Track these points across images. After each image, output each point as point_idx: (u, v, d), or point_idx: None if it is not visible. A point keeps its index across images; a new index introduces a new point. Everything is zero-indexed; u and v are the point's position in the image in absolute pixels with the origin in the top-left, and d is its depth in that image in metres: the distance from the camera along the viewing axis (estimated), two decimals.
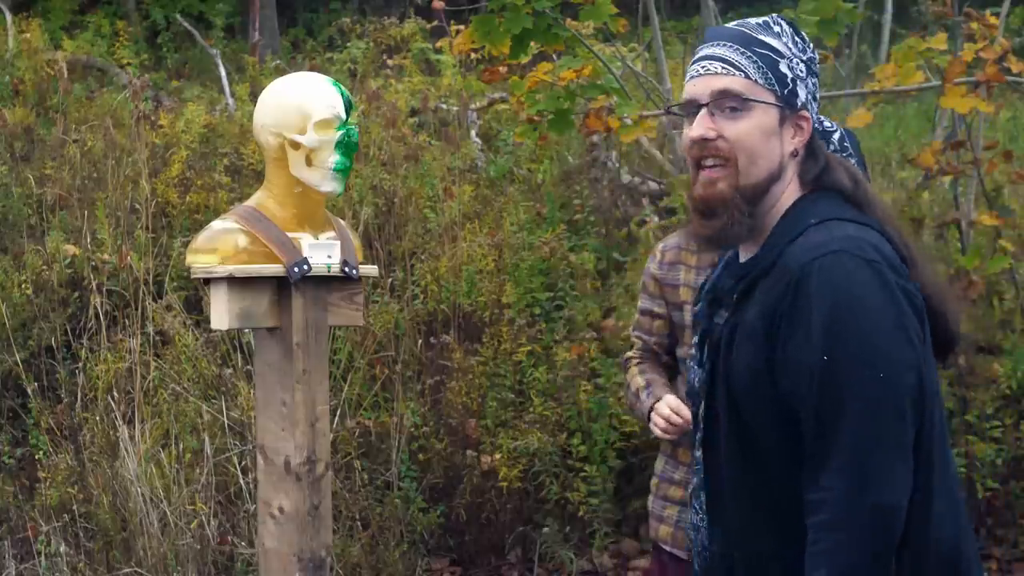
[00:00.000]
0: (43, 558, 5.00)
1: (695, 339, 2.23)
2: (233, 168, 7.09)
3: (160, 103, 8.42)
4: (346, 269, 3.06)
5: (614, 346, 5.80)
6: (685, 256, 3.26)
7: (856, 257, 1.97)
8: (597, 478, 5.36)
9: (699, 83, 2.09)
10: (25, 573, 5.05)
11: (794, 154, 2.11)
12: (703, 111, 2.07)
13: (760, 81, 2.07)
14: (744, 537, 2.05)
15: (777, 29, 2.13)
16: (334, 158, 3.00)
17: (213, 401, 5.30)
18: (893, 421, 1.94)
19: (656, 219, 6.56)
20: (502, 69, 5.50)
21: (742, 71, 2.07)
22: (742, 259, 2.15)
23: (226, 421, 5.17)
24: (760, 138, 2.06)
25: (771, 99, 2.07)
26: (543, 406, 5.51)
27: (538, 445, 5.37)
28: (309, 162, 3.00)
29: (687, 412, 2.96)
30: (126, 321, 5.67)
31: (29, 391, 5.56)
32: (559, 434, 5.47)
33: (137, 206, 6.27)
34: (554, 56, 6.12)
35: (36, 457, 5.44)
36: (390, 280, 6.15)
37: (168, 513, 4.90)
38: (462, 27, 6.79)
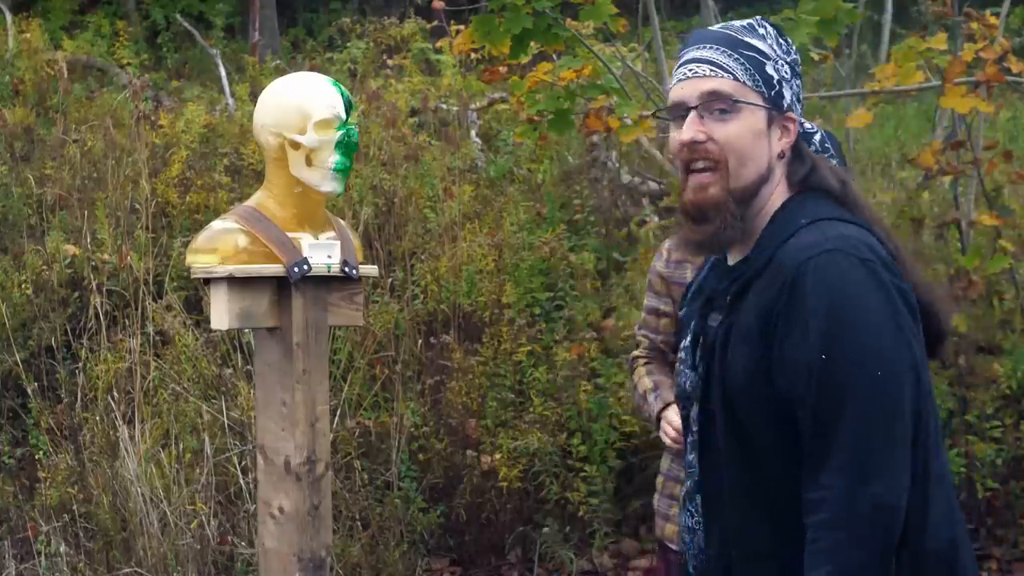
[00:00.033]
0: (43, 558, 5.00)
1: (685, 342, 2.23)
2: (233, 168, 7.09)
3: (160, 103, 8.42)
4: (346, 269, 3.06)
5: (614, 346, 5.80)
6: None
7: (850, 256, 1.98)
8: (597, 478, 5.36)
9: (687, 86, 2.09)
10: (25, 573, 5.05)
11: (781, 155, 2.12)
12: (692, 114, 2.07)
13: (748, 83, 2.07)
14: (742, 536, 2.05)
15: (762, 31, 2.13)
16: (334, 158, 3.00)
17: (213, 401, 5.30)
18: (892, 419, 1.94)
19: (656, 219, 6.56)
20: (502, 69, 5.50)
21: (730, 73, 2.07)
22: (730, 262, 2.15)
23: (226, 421, 5.17)
24: (750, 140, 2.07)
25: (759, 101, 2.08)
26: (543, 406, 5.51)
27: (538, 445, 5.37)
28: (309, 162, 3.00)
29: None
30: (126, 321, 5.67)
31: (29, 391, 5.56)
32: (559, 434, 5.47)
33: (137, 206, 6.27)
34: (554, 56, 6.12)
35: (36, 457, 5.44)
36: (390, 280, 6.15)
37: (168, 513, 4.90)
38: (462, 27, 6.79)
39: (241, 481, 5.07)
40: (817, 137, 2.22)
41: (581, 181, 7.04)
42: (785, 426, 1.99)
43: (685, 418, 2.23)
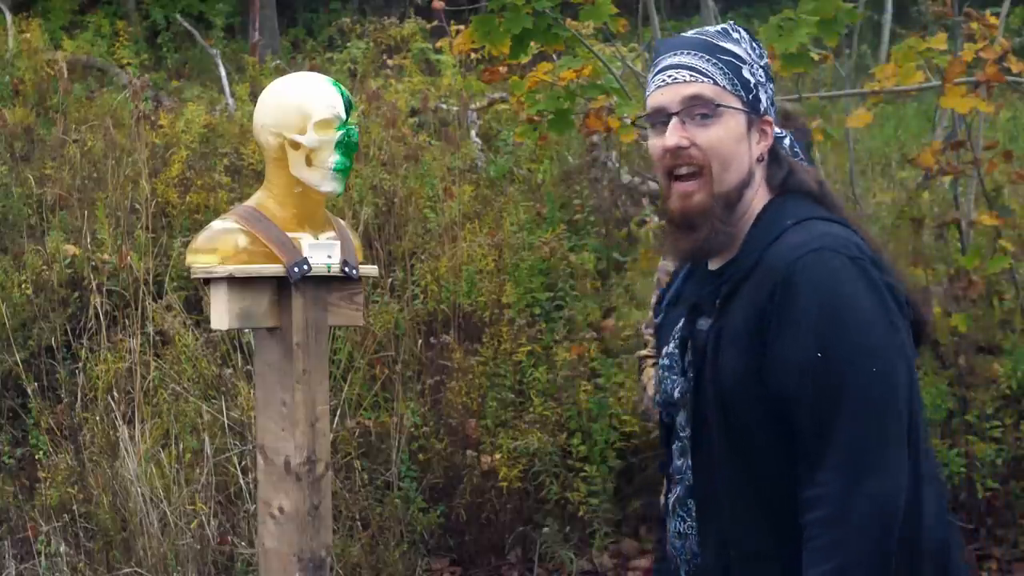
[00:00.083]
0: (43, 558, 5.00)
1: (669, 348, 2.23)
2: (233, 168, 7.09)
3: (160, 103, 8.42)
4: (346, 269, 3.06)
5: (614, 346, 5.80)
6: None
7: (839, 254, 1.99)
8: (597, 478, 5.36)
9: (667, 92, 2.10)
10: (25, 573, 5.05)
11: (760, 159, 2.13)
12: (674, 120, 2.08)
13: (728, 87, 2.09)
14: (740, 537, 2.05)
15: (736, 36, 2.15)
16: (334, 158, 3.00)
17: (213, 401, 5.30)
18: (888, 416, 1.96)
19: (656, 219, 6.55)
20: (502, 69, 5.50)
21: (710, 78, 2.08)
22: (712, 267, 2.16)
23: (226, 421, 5.17)
24: (732, 144, 2.08)
25: (739, 105, 2.09)
26: (543, 406, 5.51)
27: (538, 445, 5.37)
28: (309, 162, 3.00)
29: None
30: (126, 321, 5.67)
31: (29, 391, 5.56)
32: (559, 434, 5.47)
33: (137, 206, 6.27)
34: (554, 56, 6.12)
35: (36, 457, 5.44)
36: (390, 280, 6.15)
37: (168, 513, 4.90)
38: (462, 27, 6.78)
39: (241, 481, 5.07)
40: (787, 141, 2.24)
41: (581, 181, 7.04)
42: (780, 426, 2.00)
43: (669, 425, 2.23)
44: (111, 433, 5.19)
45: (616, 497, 5.50)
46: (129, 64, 9.38)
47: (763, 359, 1.99)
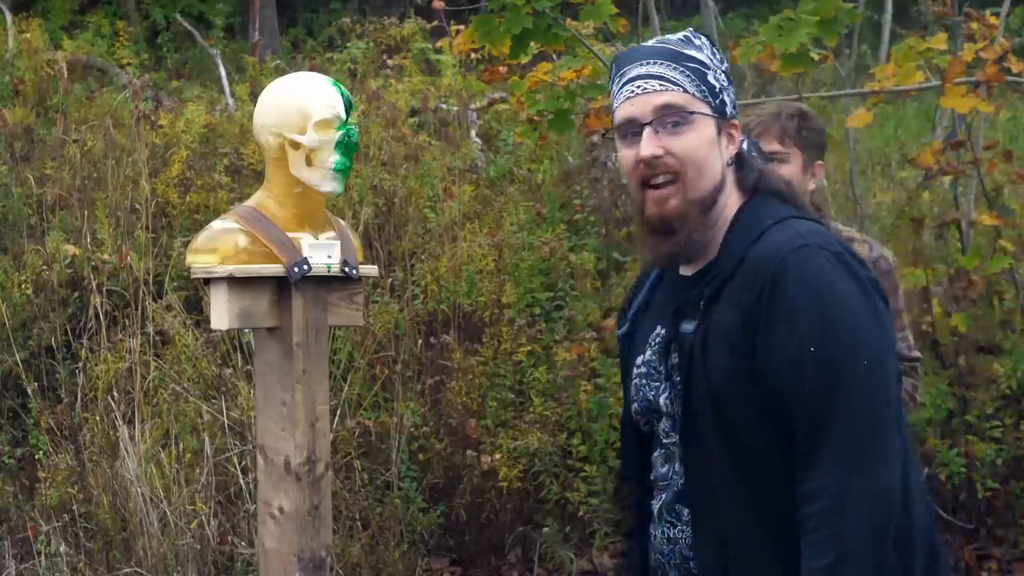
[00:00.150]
0: (43, 558, 5.00)
1: (645, 357, 2.23)
2: (233, 168, 7.09)
3: (160, 103, 8.42)
4: (346, 269, 3.06)
5: (614, 346, 5.80)
6: None
7: (824, 250, 2.03)
8: (597, 478, 5.36)
9: (637, 102, 2.11)
10: (25, 573, 5.05)
11: (730, 163, 2.16)
12: (647, 130, 2.10)
13: (696, 94, 2.11)
14: (738, 537, 2.06)
15: (698, 42, 2.17)
16: (334, 158, 3.00)
17: (213, 401, 5.30)
18: (881, 406, 1.99)
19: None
20: (502, 69, 5.49)
21: (679, 86, 2.11)
22: (686, 272, 2.18)
23: (226, 421, 5.17)
24: (705, 150, 2.11)
25: (708, 110, 2.12)
26: (543, 406, 5.51)
27: (538, 445, 5.37)
28: (309, 162, 3.00)
29: None
30: (126, 321, 5.67)
31: (29, 391, 5.56)
32: (559, 434, 5.47)
33: (137, 206, 6.27)
34: (554, 56, 6.12)
35: (36, 457, 5.44)
36: (390, 280, 6.15)
37: (168, 513, 4.90)
38: (462, 27, 6.78)
39: (241, 481, 5.07)
40: (745, 145, 2.26)
41: (581, 181, 7.04)
42: (773, 424, 2.02)
43: (648, 434, 2.23)
44: (111, 433, 5.19)
45: (616, 497, 5.49)
46: (129, 64, 9.38)
47: (754, 358, 2.01)
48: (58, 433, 5.42)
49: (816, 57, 4.75)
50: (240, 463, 5.11)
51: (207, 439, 5.09)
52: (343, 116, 3.00)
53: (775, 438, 2.02)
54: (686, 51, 2.14)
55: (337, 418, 5.33)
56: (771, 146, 3.17)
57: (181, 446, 5.12)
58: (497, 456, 5.41)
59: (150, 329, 5.55)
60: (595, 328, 5.91)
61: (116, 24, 10.49)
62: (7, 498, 5.31)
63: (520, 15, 4.68)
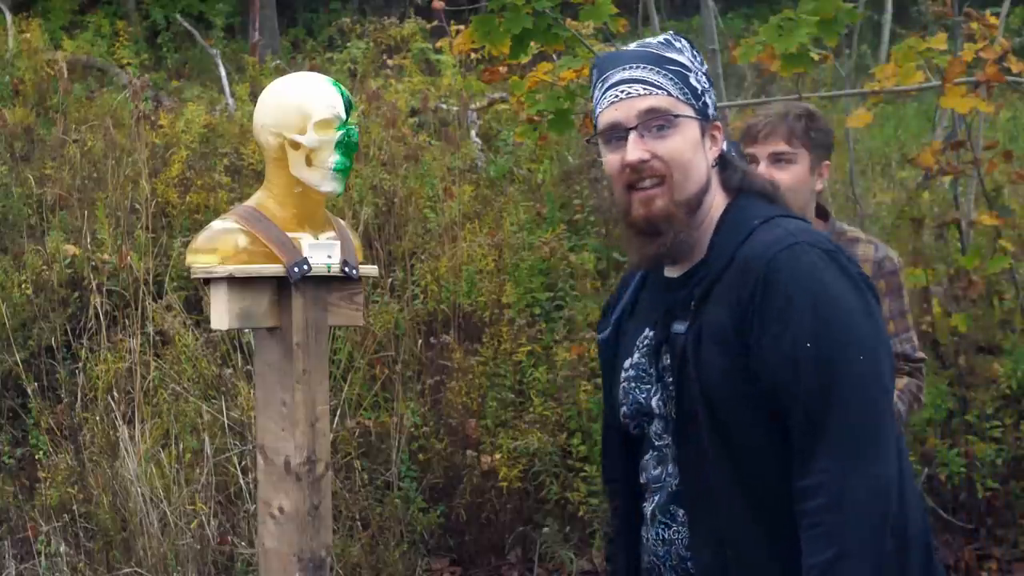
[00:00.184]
0: (43, 558, 5.00)
1: (633, 360, 2.23)
2: (233, 168, 7.09)
3: (160, 103, 8.42)
4: (346, 269, 3.06)
5: None
6: None
7: (815, 248, 2.04)
8: (597, 478, 5.35)
9: (621, 107, 2.12)
10: (25, 573, 5.05)
11: (713, 164, 2.17)
12: (633, 135, 2.10)
13: (680, 97, 2.12)
14: (736, 537, 2.06)
15: (678, 45, 2.18)
16: (334, 158, 3.00)
17: (213, 401, 5.30)
18: (877, 400, 2.01)
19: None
20: (502, 69, 5.49)
21: (663, 90, 2.12)
22: (672, 274, 2.18)
23: (226, 421, 5.17)
24: (690, 152, 2.12)
25: (691, 113, 2.13)
26: (543, 406, 5.51)
27: (538, 445, 5.37)
28: (309, 162, 3.00)
29: None
30: (126, 321, 5.67)
31: (29, 391, 5.56)
32: (559, 434, 5.47)
33: (137, 206, 6.27)
34: (554, 56, 6.12)
35: (36, 457, 5.44)
36: (390, 280, 6.15)
37: (168, 513, 4.90)
38: (462, 27, 6.79)
39: (241, 481, 5.07)
40: (725, 145, 2.27)
41: (581, 181, 7.04)
42: (768, 423, 2.03)
43: (637, 438, 2.23)
44: (111, 433, 5.19)
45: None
46: (129, 64, 9.38)
47: (747, 357, 2.02)
48: (58, 433, 5.42)
49: (816, 57, 4.75)
50: (240, 463, 5.11)
51: (207, 439, 5.09)
52: (343, 116, 3.00)
53: (770, 436, 2.03)
54: (668, 54, 2.15)
55: (337, 418, 5.33)
56: (779, 147, 3.16)
57: (181, 446, 5.12)
58: (497, 456, 5.41)
59: (150, 329, 5.55)
60: (595, 328, 5.89)
61: (116, 24, 10.49)
62: (7, 498, 5.31)
63: (520, 15, 4.68)
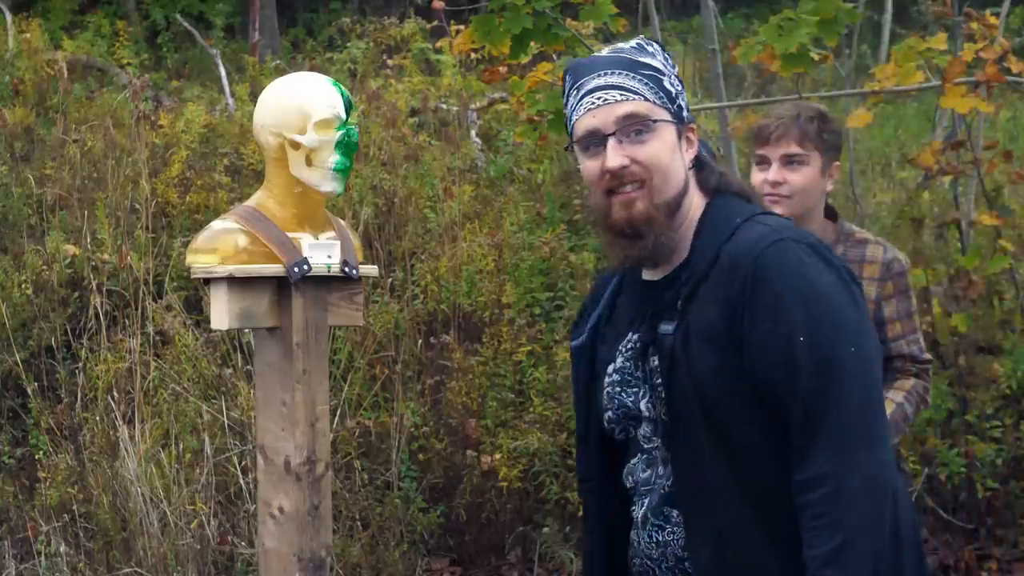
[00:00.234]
0: (43, 558, 5.00)
1: (617, 365, 2.22)
2: (233, 168, 7.09)
3: (160, 103, 8.42)
4: (346, 269, 3.06)
5: None
6: None
7: (799, 243, 2.07)
8: None
9: (599, 114, 2.12)
10: (25, 573, 5.05)
11: (690, 166, 2.19)
12: (611, 141, 2.11)
13: (656, 101, 2.13)
14: (735, 534, 2.06)
15: (651, 49, 2.19)
16: (334, 158, 2.99)
17: (213, 401, 5.30)
18: (870, 390, 2.03)
19: None
20: (502, 69, 5.49)
21: (639, 95, 2.12)
22: (653, 277, 2.19)
23: (226, 421, 5.17)
24: (668, 156, 2.13)
25: (668, 116, 2.14)
26: (543, 406, 5.51)
27: (538, 445, 5.37)
28: (309, 162, 2.99)
29: None
30: (126, 321, 5.67)
31: (29, 391, 5.56)
32: (559, 434, 5.46)
33: (137, 206, 6.27)
34: (554, 56, 6.12)
35: (36, 457, 5.44)
36: (390, 280, 6.15)
37: (168, 513, 4.90)
38: (462, 27, 6.79)
39: (241, 481, 5.07)
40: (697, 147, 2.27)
41: (581, 181, 7.03)
42: (762, 421, 2.04)
43: (624, 442, 2.23)
44: (111, 433, 5.19)
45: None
46: (129, 64, 9.38)
47: (738, 355, 2.03)
48: (58, 433, 5.42)
49: (816, 57, 4.75)
50: (240, 463, 5.11)
51: (207, 439, 5.09)
52: (343, 116, 3.00)
53: (765, 433, 2.03)
54: (641, 59, 2.15)
55: (337, 418, 5.33)
56: (791, 148, 3.15)
57: (181, 446, 5.12)
58: (497, 456, 5.41)
59: (150, 329, 5.55)
60: None
61: (116, 24, 10.50)
62: (7, 498, 5.31)
63: (520, 15, 4.68)
